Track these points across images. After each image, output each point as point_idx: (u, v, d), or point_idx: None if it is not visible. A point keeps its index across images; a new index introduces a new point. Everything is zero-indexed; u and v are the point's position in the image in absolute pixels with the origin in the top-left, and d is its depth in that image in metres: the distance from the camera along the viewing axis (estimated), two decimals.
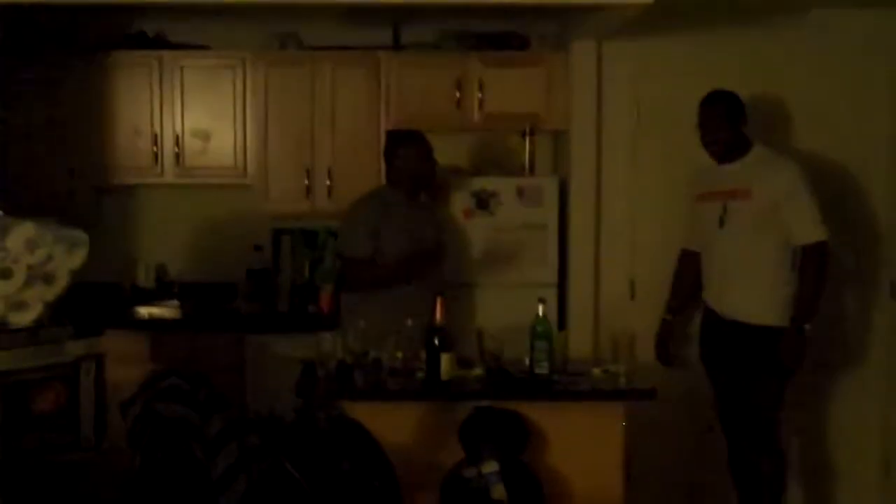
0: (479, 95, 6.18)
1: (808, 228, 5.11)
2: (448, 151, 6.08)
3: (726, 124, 5.26)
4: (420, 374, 4.61)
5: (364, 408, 4.35)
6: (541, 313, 4.62)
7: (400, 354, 4.68)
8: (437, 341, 4.54)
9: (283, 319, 6.24)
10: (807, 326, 5.07)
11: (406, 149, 5.48)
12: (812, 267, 5.10)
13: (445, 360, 4.55)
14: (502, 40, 6.34)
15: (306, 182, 6.21)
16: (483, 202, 6.00)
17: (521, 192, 6.01)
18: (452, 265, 5.71)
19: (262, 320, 6.18)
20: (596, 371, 4.72)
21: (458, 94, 6.18)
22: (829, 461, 6.06)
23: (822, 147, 5.95)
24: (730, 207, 5.23)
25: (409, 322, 4.75)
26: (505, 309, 5.48)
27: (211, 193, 6.50)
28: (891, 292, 6.08)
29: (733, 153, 5.28)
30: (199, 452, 3.48)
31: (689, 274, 5.55)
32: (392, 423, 4.34)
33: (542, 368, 4.59)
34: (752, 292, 5.20)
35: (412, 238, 5.37)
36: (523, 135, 6.20)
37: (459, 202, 5.99)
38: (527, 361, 4.65)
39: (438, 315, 4.60)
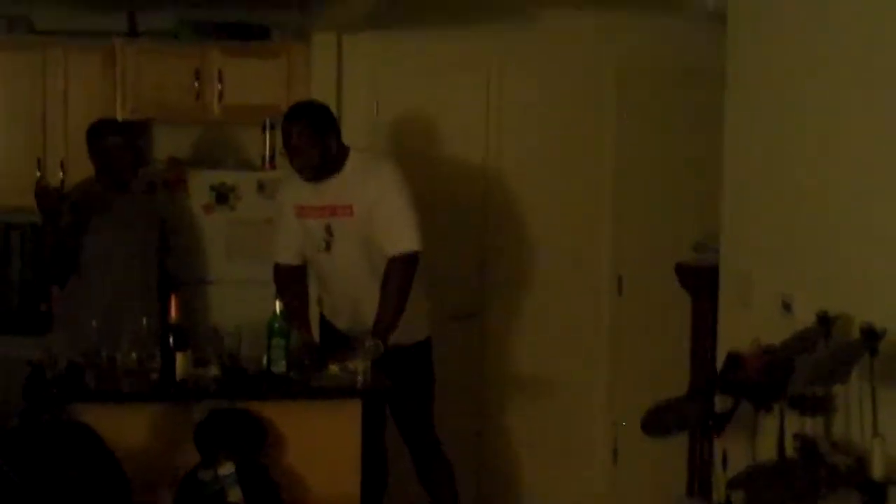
0: (219, 87, 6.06)
1: (396, 238, 4.84)
2: (186, 144, 5.95)
3: (314, 141, 4.83)
4: (155, 375, 4.49)
5: (97, 410, 4.28)
6: (278, 310, 4.57)
7: (135, 354, 4.56)
8: (171, 340, 4.44)
9: (12, 319, 5.99)
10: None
11: (104, 139, 5.28)
12: (396, 279, 4.80)
13: (180, 359, 4.46)
14: (243, 31, 6.24)
15: (38, 174, 5.94)
16: (223, 196, 5.90)
17: (261, 186, 5.94)
18: (186, 261, 5.59)
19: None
20: (333, 368, 4.69)
21: (197, 85, 6.04)
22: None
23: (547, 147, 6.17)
24: (334, 226, 4.92)
25: (145, 321, 4.65)
26: (245, 305, 5.41)
27: None
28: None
29: (329, 170, 4.90)
30: None
31: (295, 289, 5.13)
32: (127, 426, 4.32)
33: (279, 367, 4.55)
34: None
35: (119, 232, 5.22)
36: (263, 128, 6.12)
37: (198, 197, 5.87)
38: (265, 360, 4.59)
39: (173, 312, 4.50)
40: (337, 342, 5.04)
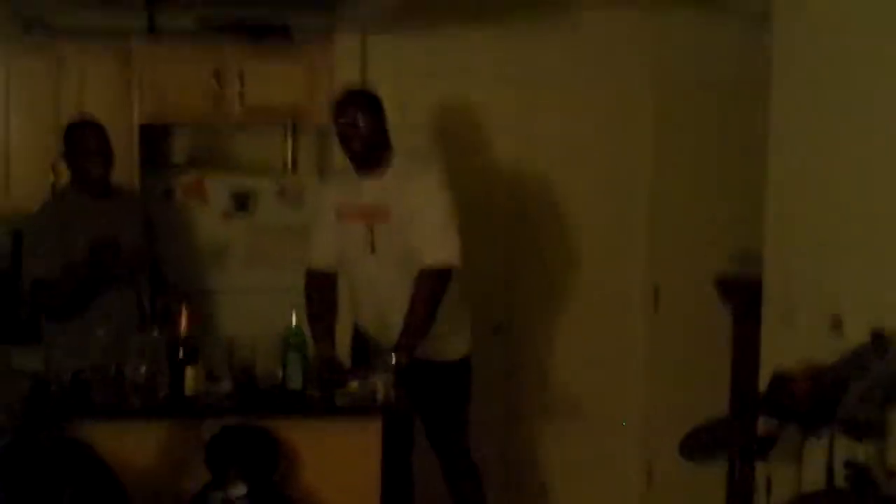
0: (240, 88, 5.83)
1: (434, 249, 4.59)
2: (206, 148, 5.73)
3: (371, 120, 4.64)
4: (164, 391, 4.26)
5: (103, 427, 4.07)
6: (294, 322, 4.34)
7: (144, 368, 4.33)
8: (181, 353, 4.22)
9: (26, 329, 5.76)
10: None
11: (76, 142, 4.95)
12: (426, 291, 4.56)
13: (190, 373, 4.23)
14: (265, 31, 6.01)
15: (52, 178, 5.73)
16: (242, 203, 5.69)
17: (282, 192, 5.73)
18: (200, 269, 5.39)
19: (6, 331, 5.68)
20: (353, 384, 4.45)
21: (217, 87, 5.82)
22: None
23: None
24: (376, 230, 4.68)
25: (156, 333, 4.42)
26: (265, 316, 5.16)
27: None
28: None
29: (378, 159, 4.70)
30: None
31: (326, 297, 4.91)
32: (134, 444, 4.11)
33: (295, 383, 4.31)
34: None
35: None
36: (286, 131, 5.91)
37: (217, 203, 5.67)
38: (280, 375, 4.36)
39: (183, 324, 4.28)
40: (369, 355, 4.81)
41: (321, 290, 4.90)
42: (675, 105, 6.03)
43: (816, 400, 3.75)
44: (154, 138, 5.99)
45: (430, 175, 4.73)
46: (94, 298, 4.80)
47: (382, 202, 4.68)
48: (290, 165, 5.93)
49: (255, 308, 5.47)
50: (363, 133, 4.66)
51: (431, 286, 4.61)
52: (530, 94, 5.93)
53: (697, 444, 4.00)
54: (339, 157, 4.98)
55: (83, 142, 4.96)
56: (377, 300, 4.80)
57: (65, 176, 5.22)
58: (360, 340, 4.96)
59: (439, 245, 4.62)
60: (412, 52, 5.78)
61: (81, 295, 4.77)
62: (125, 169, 5.57)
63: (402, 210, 4.64)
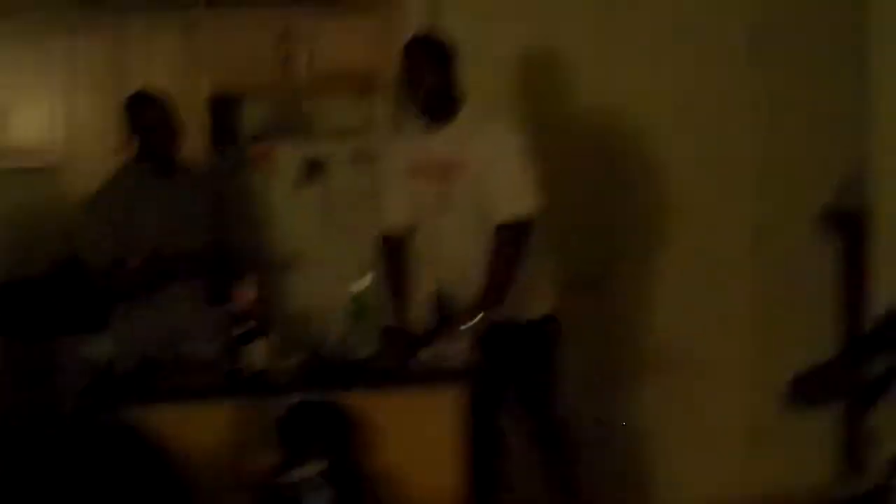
0: (309, 52, 5.61)
1: (509, 200, 4.31)
2: (275, 117, 5.56)
3: (440, 65, 4.38)
4: (229, 367, 4.07)
5: (168, 410, 3.86)
6: (359, 288, 4.10)
7: (211, 346, 4.15)
8: (245, 329, 4.01)
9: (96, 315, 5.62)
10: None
11: (137, 117, 4.78)
12: (505, 248, 4.30)
13: (259, 348, 4.02)
14: None
15: (122, 156, 5.56)
16: (315, 168, 5.47)
17: (357, 156, 5.51)
18: (270, 241, 5.22)
19: (75, 319, 5.51)
20: (428, 351, 4.18)
21: (284, 52, 5.60)
22: None
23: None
24: (451, 186, 4.40)
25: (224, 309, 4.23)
26: (340, 287, 4.93)
27: (12, 178, 5.82)
28: None
29: (448, 108, 4.44)
30: None
31: (403, 261, 4.67)
32: (201, 424, 3.88)
33: (365, 352, 4.09)
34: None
35: (170, 222, 4.74)
36: (358, 92, 5.67)
37: (288, 171, 5.47)
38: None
39: (249, 298, 4.07)
40: (448, 321, 4.53)
41: (394, 256, 4.66)
42: (772, 41, 5.60)
43: None
44: (224, 110, 5.80)
45: (501, 123, 4.46)
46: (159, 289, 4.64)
47: (455, 156, 4.41)
48: (365, 128, 5.66)
49: (329, 278, 5.23)
50: (428, 83, 4.39)
51: (510, 242, 4.33)
52: (621, 28, 5.55)
53: (806, 389, 3.68)
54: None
55: (144, 116, 4.79)
56: (455, 259, 4.52)
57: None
58: (441, 303, 4.69)
59: (516, 196, 4.34)
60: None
61: (144, 290, 4.61)
62: (195, 143, 5.42)
63: (476, 162, 4.36)
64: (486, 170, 4.34)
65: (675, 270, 5.64)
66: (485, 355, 4.16)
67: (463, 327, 4.18)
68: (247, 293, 4.07)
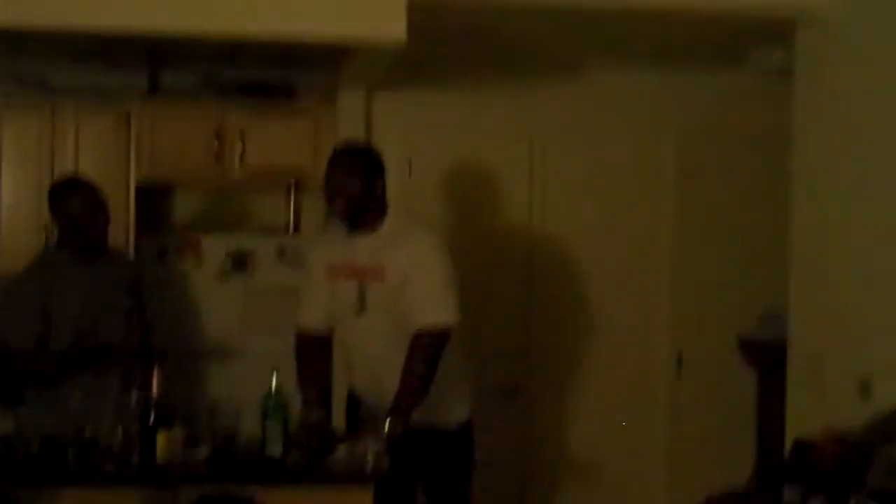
0: (241, 148, 5.62)
1: (428, 309, 4.29)
2: (204, 209, 5.54)
3: (361, 179, 4.34)
4: (137, 456, 3.98)
5: (75, 494, 3.85)
6: (273, 386, 4.06)
7: (120, 432, 4.06)
8: (153, 417, 3.95)
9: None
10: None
11: (66, 199, 4.71)
12: (421, 354, 4.24)
13: (163, 438, 3.95)
14: (267, 89, 5.80)
15: (46, 240, 5.51)
16: (240, 263, 5.47)
17: (282, 252, 5.52)
18: (190, 331, 5.22)
19: None
20: (342, 448, 4.14)
21: (217, 147, 5.61)
22: None
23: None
24: (368, 290, 4.39)
25: (134, 395, 4.15)
26: (252, 380, 4.88)
27: None
28: None
29: (369, 220, 4.41)
30: None
31: (317, 360, 4.62)
32: None
33: (274, 449, 4.02)
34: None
35: (91, 308, 4.67)
36: (288, 190, 5.71)
37: (213, 263, 5.46)
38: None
39: (155, 386, 4.01)
40: (363, 422, 4.50)
41: (311, 353, 4.62)
42: (695, 165, 5.81)
43: (841, 468, 3.46)
44: (153, 199, 5.80)
45: (426, 236, 4.48)
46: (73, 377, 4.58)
47: (375, 261, 4.41)
48: (291, 226, 5.69)
49: (246, 371, 5.19)
50: (348, 193, 4.39)
51: (427, 348, 4.31)
52: (543, 152, 5.70)
53: None
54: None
55: (69, 203, 4.73)
56: (371, 362, 4.51)
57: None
58: (355, 405, 4.66)
59: (435, 306, 4.34)
60: (420, 109, 5.59)
61: (59, 377, 4.55)
62: (121, 230, 5.39)
63: (397, 270, 4.37)
64: (406, 280, 4.34)
65: (593, 389, 5.71)
66: (397, 459, 4.12)
67: (377, 429, 4.14)
68: (156, 380, 4.01)
